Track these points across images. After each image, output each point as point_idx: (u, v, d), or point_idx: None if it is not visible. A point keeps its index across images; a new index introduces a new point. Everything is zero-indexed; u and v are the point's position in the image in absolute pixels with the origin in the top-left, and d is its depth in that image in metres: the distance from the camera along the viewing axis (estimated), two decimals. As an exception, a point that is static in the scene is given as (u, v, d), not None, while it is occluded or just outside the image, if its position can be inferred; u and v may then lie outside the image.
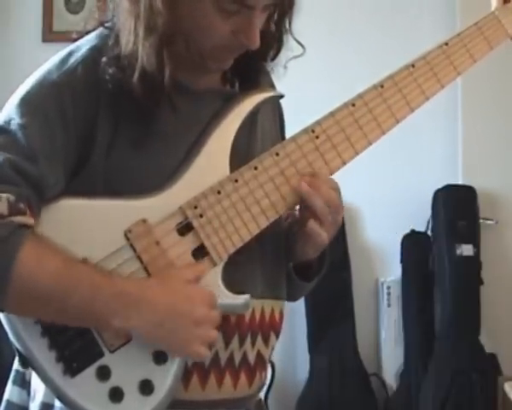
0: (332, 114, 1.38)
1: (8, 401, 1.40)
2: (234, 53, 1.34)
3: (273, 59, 1.41)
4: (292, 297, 1.52)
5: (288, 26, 1.38)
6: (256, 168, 1.33)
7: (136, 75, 1.26)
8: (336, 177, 1.41)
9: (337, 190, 1.38)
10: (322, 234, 1.37)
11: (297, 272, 1.47)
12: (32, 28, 3.75)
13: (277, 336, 1.43)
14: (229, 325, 1.34)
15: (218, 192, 1.31)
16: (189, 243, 1.29)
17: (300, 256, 1.45)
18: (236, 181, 1.32)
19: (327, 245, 1.42)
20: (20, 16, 3.78)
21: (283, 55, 1.41)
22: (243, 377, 1.37)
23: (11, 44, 3.77)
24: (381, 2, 3.55)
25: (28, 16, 3.76)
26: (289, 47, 1.41)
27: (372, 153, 1.63)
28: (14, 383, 1.40)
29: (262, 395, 1.52)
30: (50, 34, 3.72)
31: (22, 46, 3.75)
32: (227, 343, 1.34)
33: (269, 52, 1.40)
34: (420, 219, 3.46)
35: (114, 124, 1.29)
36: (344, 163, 1.38)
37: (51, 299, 1.19)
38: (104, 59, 1.28)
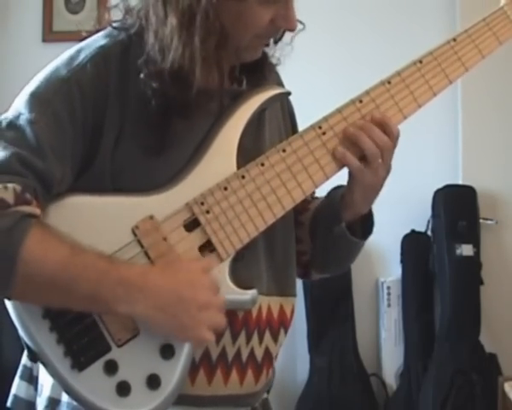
0: (339, 110, 1.38)
1: (16, 396, 1.41)
2: (267, 40, 1.38)
3: (277, 41, 1.42)
4: (339, 265, 1.55)
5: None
6: (263, 165, 1.33)
7: (194, 90, 1.28)
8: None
9: (393, 135, 1.39)
10: (368, 174, 1.38)
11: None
12: (32, 28, 3.73)
13: (286, 333, 1.43)
14: (237, 320, 1.34)
15: (225, 189, 1.31)
16: (195, 238, 1.30)
17: (351, 208, 1.45)
18: (243, 177, 1.32)
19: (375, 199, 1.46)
20: (20, 16, 3.77)
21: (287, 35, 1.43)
22: (250, 374, 1.37)
23: (11, 44, 3.75)
24: (382, 2, 3.55)
25: (28, 16, 3.75)
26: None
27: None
28: (22, 378, 1.41)
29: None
30: (50, 34, 3.71)
31: (22, 46, 3.73)
32: (234, 339, 1.35)
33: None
34: (420, 219, 3.46)
35: (121, 122, 1.30)
36: None
37: (57, 285, 1.20)
38: (142, 75, 1.28)
